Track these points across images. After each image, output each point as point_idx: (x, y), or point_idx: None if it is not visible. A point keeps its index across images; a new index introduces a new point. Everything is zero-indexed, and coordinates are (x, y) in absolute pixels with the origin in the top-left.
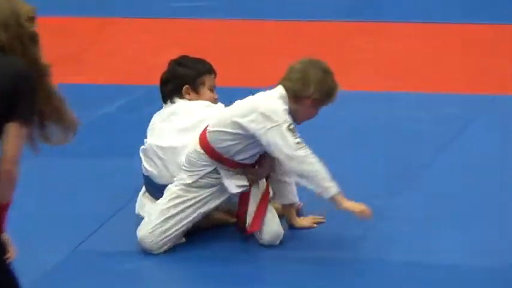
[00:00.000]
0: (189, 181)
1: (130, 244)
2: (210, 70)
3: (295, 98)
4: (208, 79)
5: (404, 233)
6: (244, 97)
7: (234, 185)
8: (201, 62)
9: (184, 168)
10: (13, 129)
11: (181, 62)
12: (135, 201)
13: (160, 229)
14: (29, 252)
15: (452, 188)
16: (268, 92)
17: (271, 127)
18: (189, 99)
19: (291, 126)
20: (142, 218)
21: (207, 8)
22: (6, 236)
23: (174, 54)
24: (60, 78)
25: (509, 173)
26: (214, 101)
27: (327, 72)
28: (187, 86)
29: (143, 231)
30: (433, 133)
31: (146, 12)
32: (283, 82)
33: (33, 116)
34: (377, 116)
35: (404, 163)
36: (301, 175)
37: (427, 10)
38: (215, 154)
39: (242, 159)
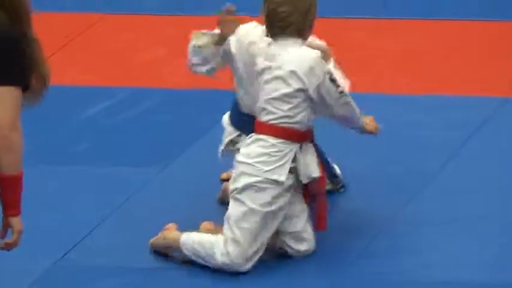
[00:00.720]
0: (282, 179)
1: (113, 256)
2: None
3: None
4: None
5: (416, 243)
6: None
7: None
8: None
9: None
10: (4, 93)
11: None
12: (122, 211)
13: (252, 251)
14: (7, 265)
15: (465, 195)
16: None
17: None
18: None
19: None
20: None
21: (196, 3)
22: (17, 221)
23: (161, 54)
24: None
25: None
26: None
27: None
28: None
29: (237, 258)
30: (442, 138)
31: (130, 7)
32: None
33: (24, 79)
34: (384, 119)
35: (415, 169)
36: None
37: (435, 6)
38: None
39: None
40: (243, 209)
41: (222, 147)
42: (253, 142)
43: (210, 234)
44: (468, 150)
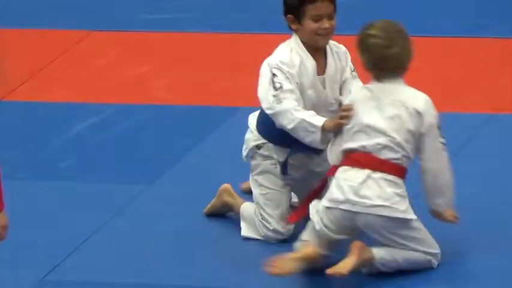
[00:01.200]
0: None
1: (99, 273)
2: None
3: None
4: (311, 8)
5: None
6: (228, 117)
7: None
8: None
9: None
10: None
11: None
12: (108, 227)
13: None
14: None
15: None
16: None
17: None
18: (296, 30)
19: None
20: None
21: (183, 20)
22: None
23: (146, 70)
24: (26, 96)
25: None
26: (324, 31)
27: None
28: (290, 15)
29: None
30: None
31: (116, 24)
32: None
33: None
34: None
35: None
36: None
37: (419, 23)
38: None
39: None
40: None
41: (247, 151)
42: (376, 181)
43: None
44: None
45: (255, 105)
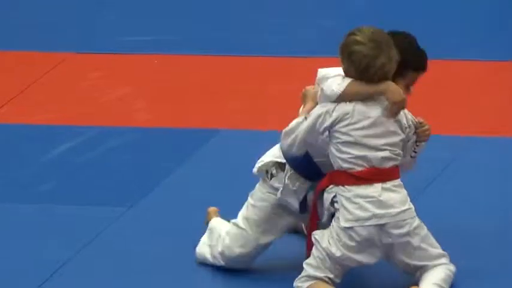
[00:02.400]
0: None
1: None
2: (420, 67)
3: None
4: (411, 75)
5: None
6: (208, 139)
7: None
8: (420, 53)
9: None
10: None
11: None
12: (87, 250)
13: None
14: None
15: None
16: None
17: None
18: None
19: None
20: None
21: (163, 42)
22: None
23: (125, 93)
24: (6, 118)
25: (490, 215)
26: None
27: None
28: None
29: None
30: (408, 176)
31: (96, 47)
32: None
33: None
34: None
35: None
36: None
37: None
38: None
39: None
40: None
41: (261, 165)
42: (390, 190)
43: None
44: (433, 190)
45: (235, 127)
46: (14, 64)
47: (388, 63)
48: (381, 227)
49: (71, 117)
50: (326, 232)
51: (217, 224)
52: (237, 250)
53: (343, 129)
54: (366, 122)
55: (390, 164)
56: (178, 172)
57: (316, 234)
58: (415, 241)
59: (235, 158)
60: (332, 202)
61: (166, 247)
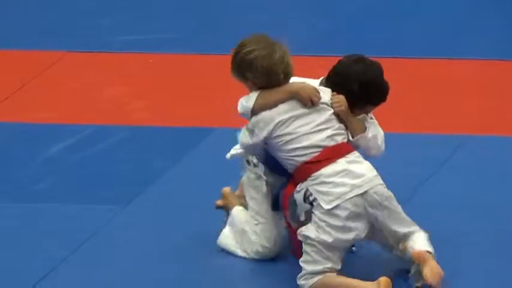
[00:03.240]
0: None
1: None
2: (380, 102)
3: None
4: (370, 108)
5: None
6: (204, 138)
7: None
8: (384, 89)
9: None
10: None
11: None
12: (84, 249)
13: None
14: None
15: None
16: None
17: None
18: None
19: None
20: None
21: (159, 41)
22: None
23: (122, 91)
24: (2, 117)
25: (482, 215)
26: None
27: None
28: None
29: None
30: (402, 176)
31: (92, 46)
32: None
33: None
34: None
35: None
36: None
37: (392, 44)
38: None
39: None
40: None
41: (236, 151)
42: (353, 162)
43: None
44: (427, 189)
45: (230, 125)
46: (11, 63)
47: (285, 55)
48: (363, 195)
49: (67, 115)
50: (310, 225)
51: (239, 215)
52: (265, 243)
53: (280, 133)
54: (293, 116)
55: (339, 139)
56: (173, 170)
57: (302, 231)
58: (394, 204)
59: None
60: (305, 198)
61: (162, 245)
